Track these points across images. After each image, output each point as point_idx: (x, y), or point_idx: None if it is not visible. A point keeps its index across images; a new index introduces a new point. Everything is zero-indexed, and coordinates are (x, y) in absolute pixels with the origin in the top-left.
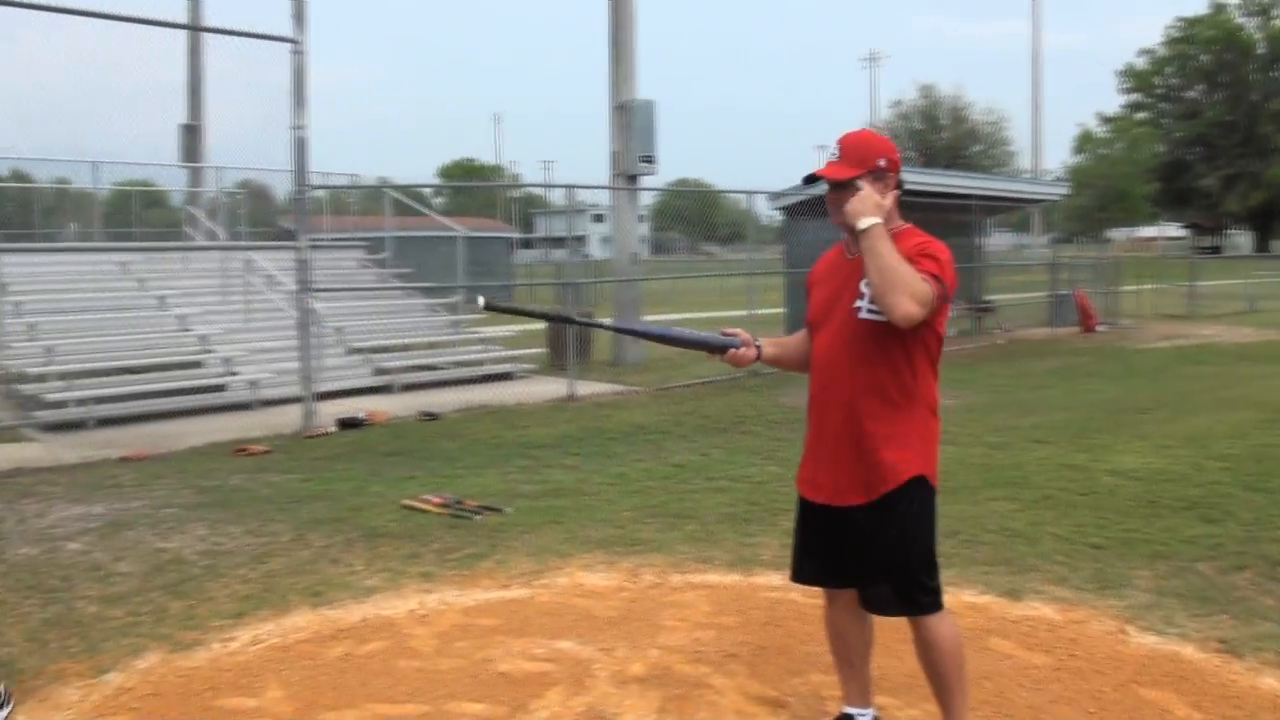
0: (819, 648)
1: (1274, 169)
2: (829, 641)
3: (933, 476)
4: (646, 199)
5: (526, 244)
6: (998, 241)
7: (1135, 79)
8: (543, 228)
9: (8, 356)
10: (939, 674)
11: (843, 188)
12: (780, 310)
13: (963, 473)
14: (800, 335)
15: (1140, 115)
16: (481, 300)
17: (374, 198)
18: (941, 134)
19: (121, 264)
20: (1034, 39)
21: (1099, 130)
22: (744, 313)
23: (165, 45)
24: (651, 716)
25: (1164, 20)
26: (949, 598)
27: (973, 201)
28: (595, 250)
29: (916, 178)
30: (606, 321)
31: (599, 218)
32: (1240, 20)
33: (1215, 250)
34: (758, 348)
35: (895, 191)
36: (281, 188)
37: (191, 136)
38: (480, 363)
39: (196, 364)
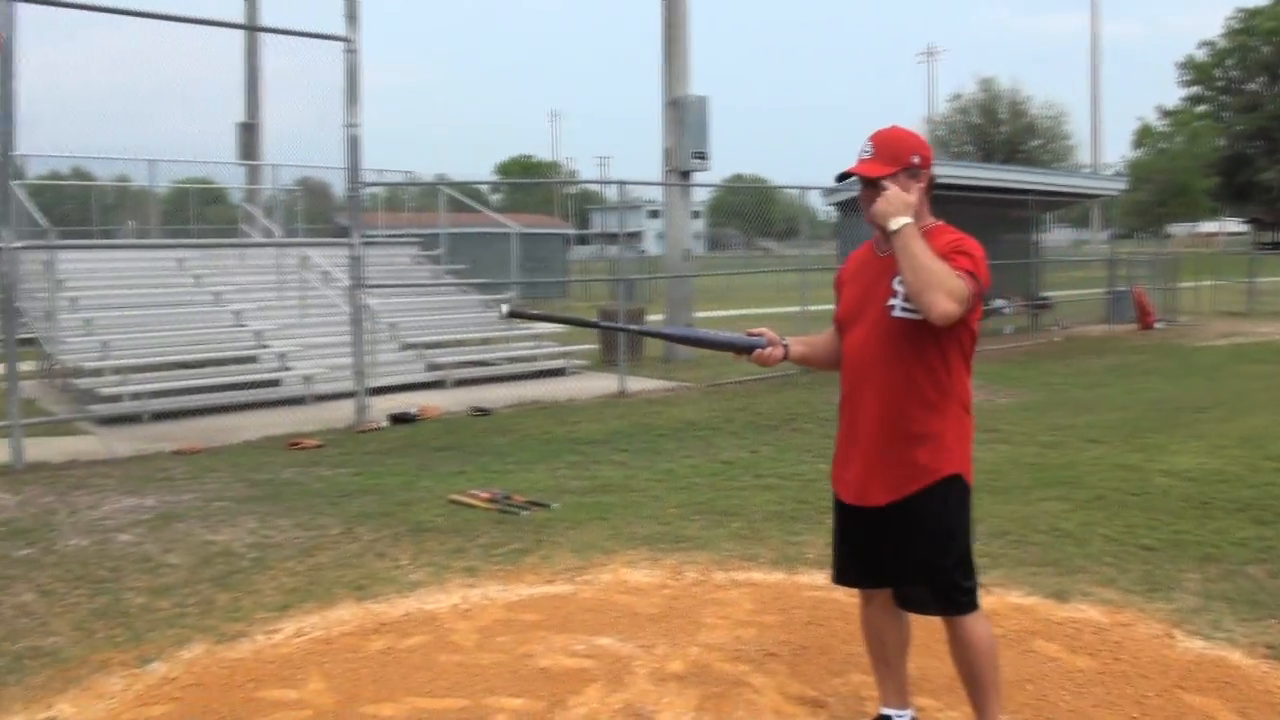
0: (860, 648)
1: None
2: (865, 641)
3: (968, 475)
4: (702, 195)
5: (583, 240)
6: (1057, 237)
7: (1195, 71)
8: (599, 224)
9: (64, 351)
10: (974, 674)
11: (876, 185)
12: (833, 306)
13: (1015, 472)
14: (828, 333)
15: (1200, 108)
16: (505, 308)
17: (430, 195)
18: (1000, 128)
19: (178, 260)
20: (1093, 31)
21: (1159, 124)
22: (797, 309)
23: (223, 45)
24: (689, 714)
25: (1224, 11)
26: (994, 599)
27: (1030, 197)
28: (651, 246)
29: (973, 173)
30: (629, 325)
31: (655, 214)
32: None
33: (1277, 246)
34: (785, 347)
35: (921, 186)
36: (339, 185)
37: (249, 135)
38: (533, 358)
39: (251, 359)
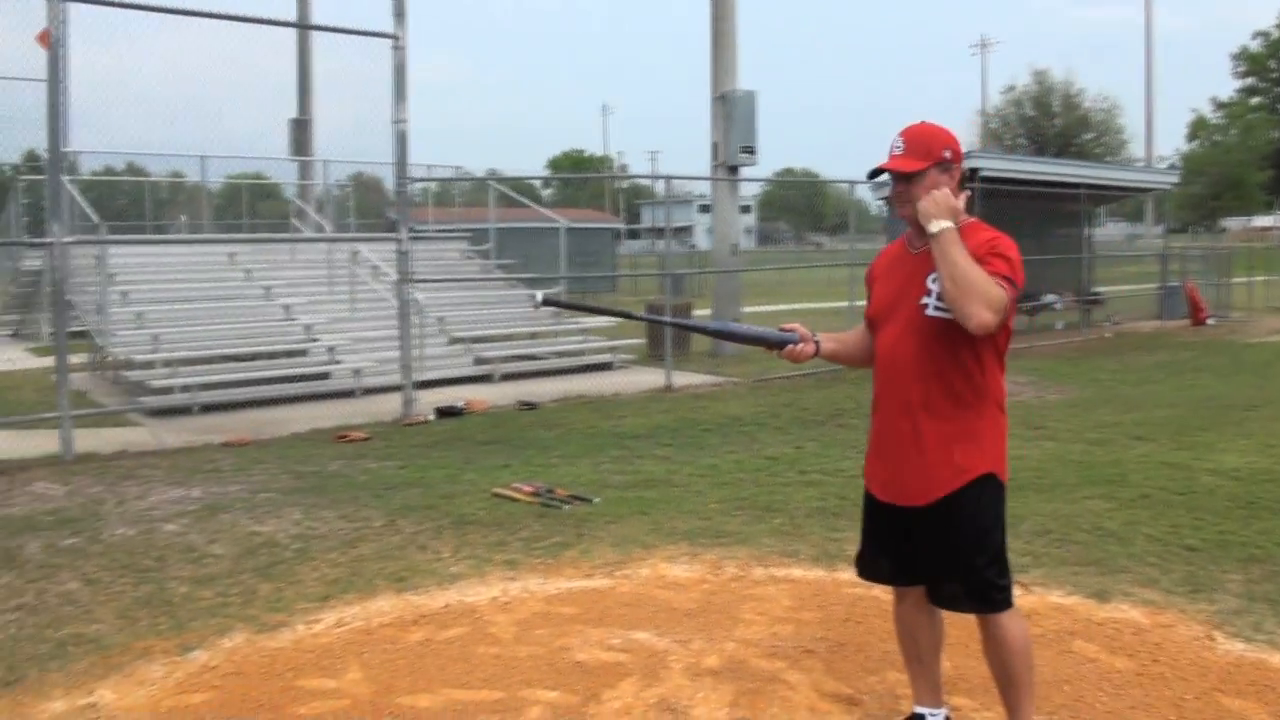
0: (897, 646)
1: None
2: (898, 639)
3: (1002, 473)
4: (752, 189)
5: (634, 235)
6: (1110, 231)
7: (1249, 62)
8: (649, 218)
9: (115, 344)
10: (1007, 673)
11: (908, 180)
12: None
13: (1060, 470)
14: (859, 330)
15: (1255, 100)
16: (540, 296)
17: (480, 190)
18: (1054, 121)
19: (229, 255)
20: (1147, 20)
21: (1213, 116)
22: (845, 304)
23: (275, 43)
24: (723, 710)
25: (1278, 1)
26: (1035, 598)
27: (1082, 190)
28: (701, 241)
29: (1026, 166)
30: (664, 318)
31: (705, 208)
32: None
33: None
34: (816, 343)
35: (953, 181)
36: (391, 180)
37: (301, 131)
38: (580, 353)
39: (301, 352)
